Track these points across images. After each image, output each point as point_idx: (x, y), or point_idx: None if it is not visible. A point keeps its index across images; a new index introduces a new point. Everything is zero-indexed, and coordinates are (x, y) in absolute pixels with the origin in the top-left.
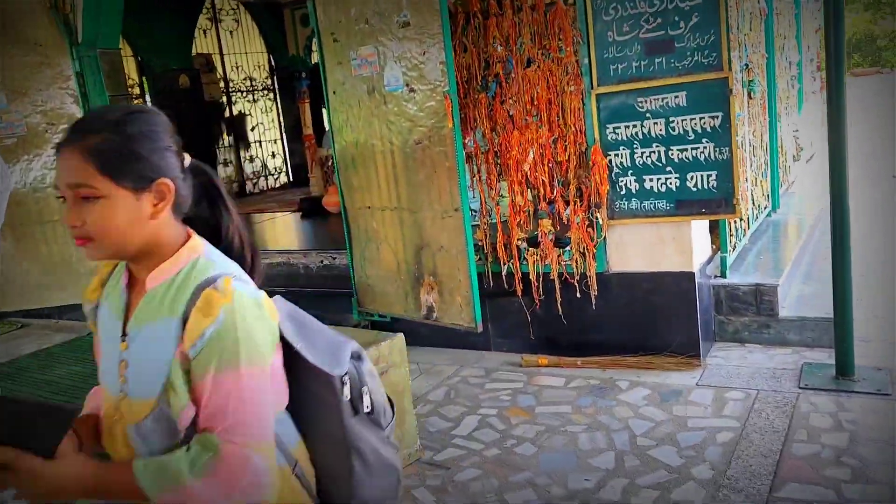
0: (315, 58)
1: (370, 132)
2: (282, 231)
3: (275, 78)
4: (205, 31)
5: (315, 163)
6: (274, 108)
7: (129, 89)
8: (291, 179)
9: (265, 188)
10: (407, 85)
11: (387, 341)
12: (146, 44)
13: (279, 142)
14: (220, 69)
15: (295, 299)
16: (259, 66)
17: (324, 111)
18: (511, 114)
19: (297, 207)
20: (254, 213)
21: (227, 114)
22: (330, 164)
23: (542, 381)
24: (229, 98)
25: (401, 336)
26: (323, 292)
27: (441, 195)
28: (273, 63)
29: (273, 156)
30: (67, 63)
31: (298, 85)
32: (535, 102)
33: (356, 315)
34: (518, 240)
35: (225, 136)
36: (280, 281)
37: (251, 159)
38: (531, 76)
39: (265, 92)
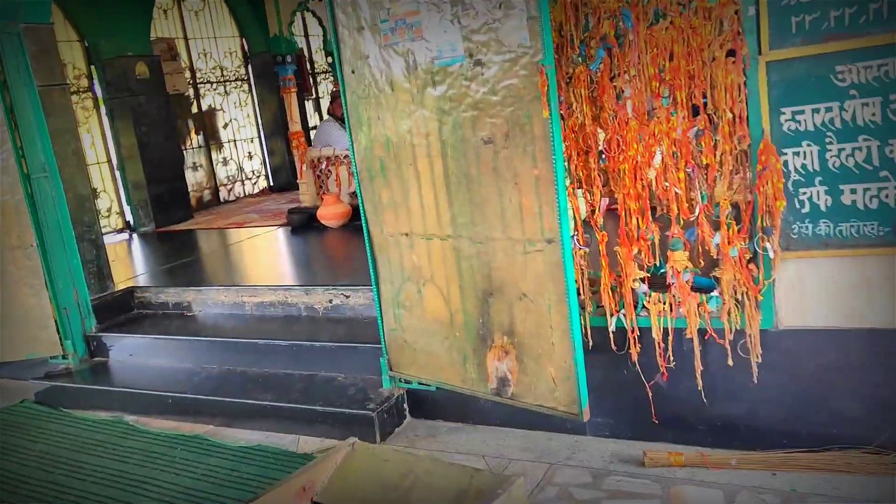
0: (301, 41)
1: (408, 127)
2: (270, 255)
3: (248, 66)
4: (165, 12)
5: (305, 165)
6: (249, 100)
7: (75, 80)
8: (272, 184)
9: (241, 195)
10: (470, 56)
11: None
12: (94, 25)
13: (256, 140)
14: (185, 56)
15: (295, 356)
16: (230, 53)
17: (307, 103)
18: (626, 95)
19: (286, 221)
20: (232, 227)
21: (194, 109)
22: (326, 166)
23: (687, 495)
24: (197, 90)
25: (519, 483)
26: (336, 346)
27: (524, 218)
28: (246, 49)
29: (250, 157)
30: None
31: (282, 71)
32: (667, 77)
33: (387, 381)
34: (634, 280)
35: (193, 134)
36: (275, 329)
37: (224, 161)
38: (660, 38)
39: (238, 83)
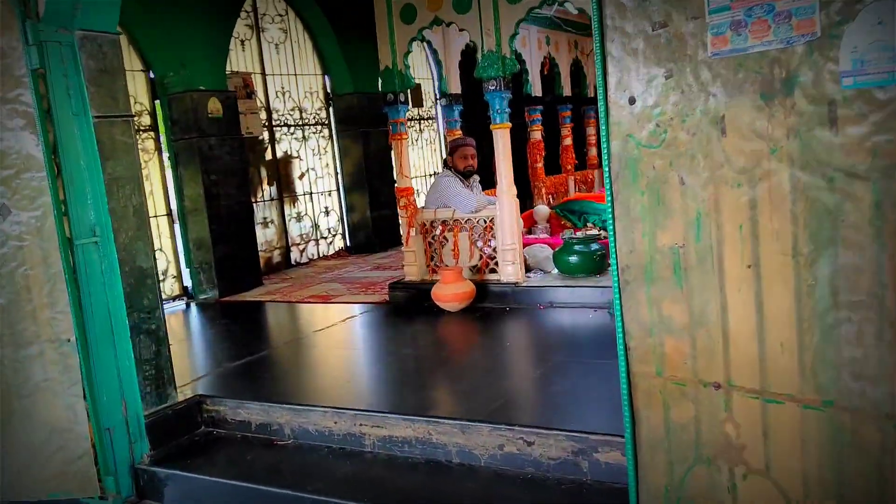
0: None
1: (751, 197)
2: (378, 350)
3: (330, 108)
4: (243, 43)
5: (415, 229)
6: (329, 147)
7: (136, 116)
8: (349, 245)
9: (314, 256)
10: None
11: None
12: (163, 52)
13: (334, 193)
14: (261, 95)
15: None
16: (311, 93)
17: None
18: None
19: (387, 298)
20: (313, 302)
21: (268, 155)
22: (441, 232)
23: None
24: (272, 133)
25: None
26: None
27: None
28: (329, 89)
29: (326, 212)
30: (16, 51)
31: (393, 113)
32: None
33: None
34: None
35: (265, 184)
36: (415, 485)
37: (298, 217)
38: None
39: (318, 127)
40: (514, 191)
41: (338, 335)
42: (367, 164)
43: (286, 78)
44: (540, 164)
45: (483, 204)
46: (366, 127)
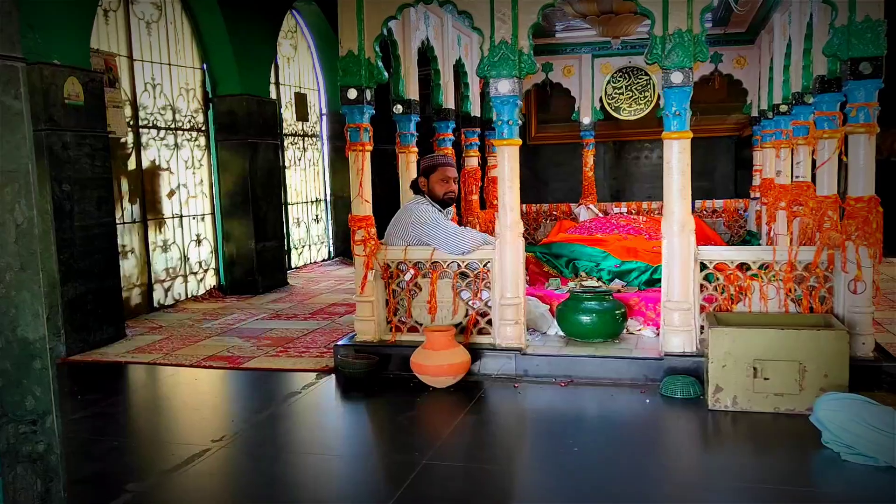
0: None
1: None
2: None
3: (209, 111)
4: (106, 13)
5: (373, 274)
6: (205, 160)
7: None
8: (223, 283)
9: (181, 296)
10: None
11: None
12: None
13: (208, 218)
14: (125, 84)
15: None
16: (188, 90)
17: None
18: None
19: (331, 366)
20: (208, 367)
21: (131, 164)
22: (413, 279)
23: None
24: (138, 136)
25: None
26: None
27: None
28: (208, 87)
29: (198, 241)
30: None
31: (353, 116)
32: None
33: None
34: None
35: (126, 201)
36: None
37: (165, 247)
38: None
39: (193, 133)
40: (521, 228)
41: (285, 436)
42: (252, 184)
43: (158, 67)
44: (475, 196)
45: (478, 243)
46: (255, 137)
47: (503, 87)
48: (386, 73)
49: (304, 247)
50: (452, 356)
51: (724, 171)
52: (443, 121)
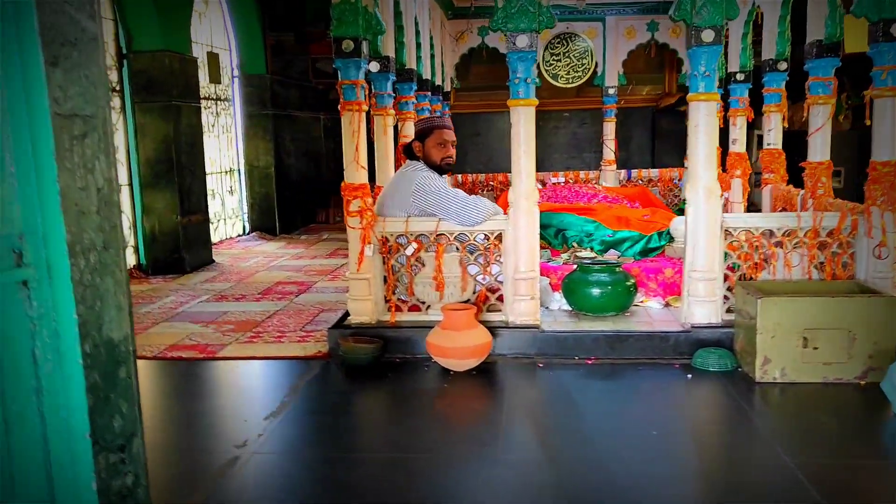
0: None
1: None
2: None
3: (124, 69)
4: None
5: (371, 248)
6: (121, 125)
7: None
8: (142, 261)
9: None
10: None
11: None
12: None
13: (126, 189)
14: None
15: None
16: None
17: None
18: None
19: (326, 352)
20: (179, 360)
21: None
22: (415, 253)
23: None
24: None
25: None
26: None
27: None
28: (122, 40)
29: None
30: None
31: (348, 71)
32: None
33: None
34: None
35: None
36: None
37: None
38: None
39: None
40: (537, 197)
41: (322, 434)
42: (176, 151)
43: None
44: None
45: (490, 213)
46: (178, 99)
47: (521, 41)
48: (384, 24)
49: (219, 221)
50: (476, 336)
51: (640, 141)
52: (405, 82)
